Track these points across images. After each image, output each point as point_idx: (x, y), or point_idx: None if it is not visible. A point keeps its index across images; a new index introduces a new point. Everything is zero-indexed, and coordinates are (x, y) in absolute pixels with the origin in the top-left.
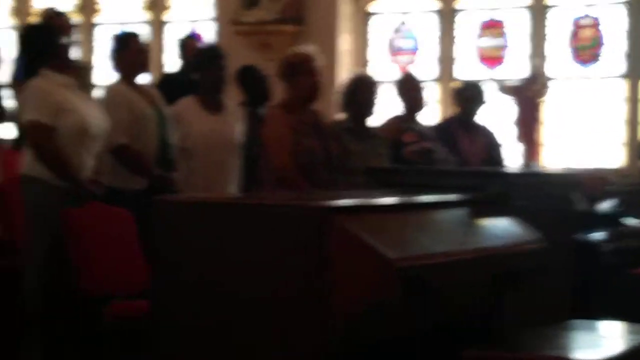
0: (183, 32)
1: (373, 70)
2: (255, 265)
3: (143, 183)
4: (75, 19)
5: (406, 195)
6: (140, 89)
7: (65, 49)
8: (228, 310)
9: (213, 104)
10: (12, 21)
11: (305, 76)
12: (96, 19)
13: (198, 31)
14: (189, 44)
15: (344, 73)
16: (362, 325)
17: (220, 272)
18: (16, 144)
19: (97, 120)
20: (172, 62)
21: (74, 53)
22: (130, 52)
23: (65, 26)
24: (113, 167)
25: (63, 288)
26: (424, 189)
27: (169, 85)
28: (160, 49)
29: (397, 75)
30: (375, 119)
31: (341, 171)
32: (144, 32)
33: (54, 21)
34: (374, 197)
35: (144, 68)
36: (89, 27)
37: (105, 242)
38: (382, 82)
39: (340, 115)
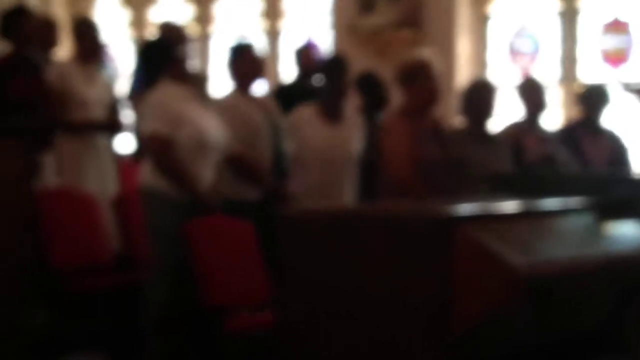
0: (299, 41)
1: (492, 74)
2: (381, 274)
3: (258, 194)
4: (191, 29)
5: (530, 201)
6: (255, 98)
7: (182, 61)
8: (353, 319)
9: (333, 113)
10: (129, 34)
11: (423, 82)
12: (211, 29)
13: (314, 39)
14: (305, 53)
15: (462, 77)
16: (487, 334)
17: (346, 283)
18: (135, 155)
19: (215, 131)
20: (287, 71)
21: (191, 65)
22: (244, 62)
23: (181, 38)
24: (230, 178)
25: (184, 300)
26: (548, 194)
27: (285, 94)
28: (275, 58)
29: (517, 78)
30: (496, 124)
31: (462, 177)
32: (259, 41)
33: (171, 34)
34: (498, 203)
35: (258, 78)
36: (204, 37)
37: (227, 254)
38: (502, 86)
39: (460, 120)
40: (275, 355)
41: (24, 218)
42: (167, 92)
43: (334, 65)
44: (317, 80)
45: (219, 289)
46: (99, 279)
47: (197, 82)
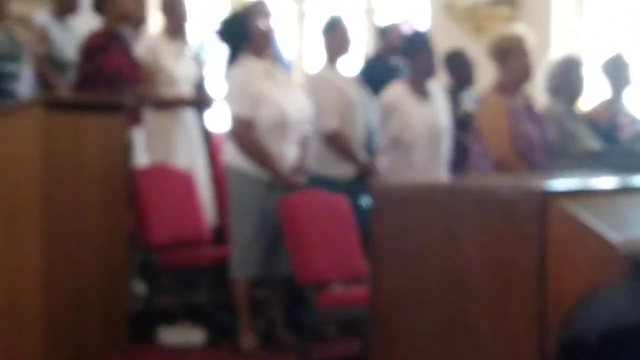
0: (395, 19)
1: (588, 51)
2: (477, 248)
3: (351, 170)
4: (287, 7)
5: (627, 178)
6: (343, 74)
7: (262, 34)
8: (446, 295)
9: (421, 90)
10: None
11: (517, 58)
12: (306, 7)
13: (409, 17)
14: (392, 30)
15: (558, 55)
16: (583, 311)
17: (439, 258)
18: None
19: (298, 107)
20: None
21: (272, 39)
22: (334, 37)
23: (263, 12)
24: (320, 155)
25: (275, 276)
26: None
27: (368, 70)
28: (372, 35)
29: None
30: (584, 101)
31: (558, 155)
32: (355, 19)
33: (254, 8)
34: (594, 179)
35: (345, 52)
36: (300, 15)
37: (322, 228)
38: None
39: (547, 98)
40: (369, 330)
41: (125, 194)
42: (246, 70)
43: (419, 42)
44: (397, 60)
45: (314, 263)
46: (195, 253)
47: (278, 55)
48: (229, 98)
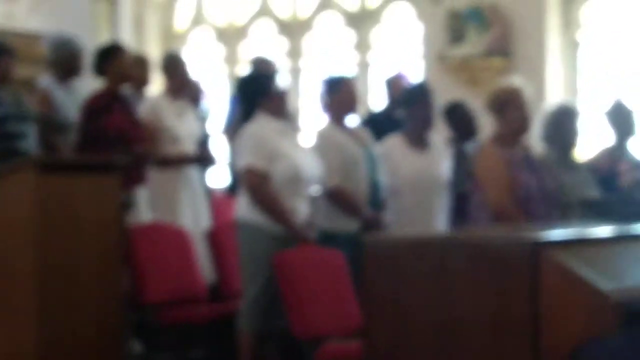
0: (388, 72)
1: (583, 100)
2: (470, 300)
3: (355, 225)
4: (283, 63)
5: (620, 226)
6: (350, 130)
7: (278, 95)
8: (441, 347)
9: (419, 141)
10: (223, 69)
11: (514, 110)
12: (302, 63)
13: (404, 70)
14: (394, 83)
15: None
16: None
17: (434, 310)
18: (230, 189)
19: (309, 165)
20: (377, 102)
21: (286, 99)
22: (340, 96)
23: (272, 72)
24: (326, 211)
25: (275, 330)
26: (636, 220)
27: (375, 124)
28: (366, 89)
29: (608, 104)
30: (583, 149)
31: (556, 204)
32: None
33: (264, 68)
34: (589, 229)
35: (353, 111)
36: (295, 71)
37: (318, 283)
38: (593, 111)
39: (542, 147)
40: None
41: (120, 253)
42: (262, 126)
43: (417, 94)
44: (400, 113)
45: (310, 318)
46: (193, 311)
47: (291, 116)
48: (244, 150)
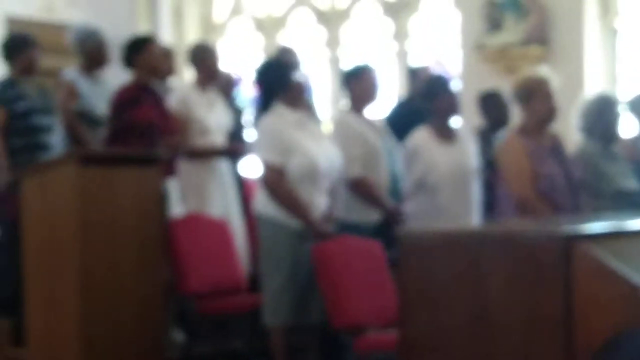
0: (423, 61)
1: (622, 88)
2: (503, 294)
3: (376, 216)
4: (321, 53)
5: None
6: (369, 121)
7: (297, 85)
8: (475, 340)
9: (446, 133)
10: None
11: (540, 100)
12: (341, 52)
13: (440, 59)
14: (421, 73)
15: (592, 93)
16: (607, 355)
17: (467, 303)
18: None
19: (328, 157)
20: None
21: (305, 89)
22: (361, 84)
23: (293, 62)
24: (347, 202)
25: (310, 323)
26: None
27: (399, 113)
28: (404, 79)
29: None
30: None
31: (590, 194)
32: (388, 63)
33: (285, 57)
34: (622, 221)
35: (373, 100)
36: (334, 60)
37: (357, 274)
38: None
39: (581, 137)
40: None
41: (161, 244)
42: (279, 119)
43: (438, 85)
44: (422, 104)
45: (349, 309)
46: (231, 300)
47: (310, 107)
48: (261, 145)
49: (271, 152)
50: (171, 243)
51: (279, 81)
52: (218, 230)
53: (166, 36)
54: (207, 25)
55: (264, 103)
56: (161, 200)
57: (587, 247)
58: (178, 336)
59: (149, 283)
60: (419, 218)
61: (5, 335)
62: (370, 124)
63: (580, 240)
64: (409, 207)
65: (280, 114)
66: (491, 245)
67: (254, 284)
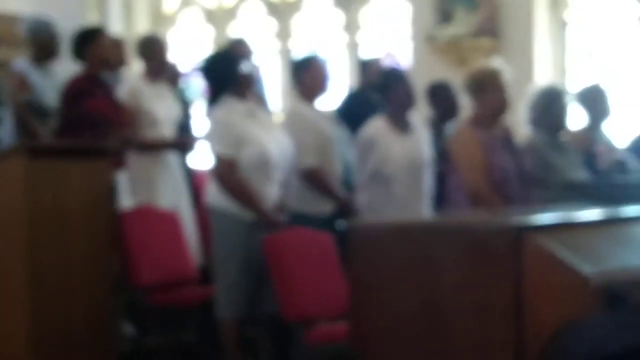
0: (377, 53)
1: (571, 81)
2: (454, 284)
3: (329, 207)
4: (272, 44)
5: (601, 209)
6: (320, 111)
7: (246, 76)
8: (425, 331)
9: (402, 124)
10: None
11: (493, 92)
12: (291, 44)
13: (391, 51)
14: (372, 65)
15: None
16: (557, 344)
17: (417, 294)
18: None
19: (280, 147)
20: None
21: (254, 80)
22: (311, 74)
23: (245, 53)
24: (300, 192)
25: (261, 314)
26: (621, 202)
27: (350, 105)
28: (355, 70)
29: (583, 85)
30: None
31: (542, 186)
32: (338, 55)
33: (235, 49)
34: (571, 211)
35: (324, 91)
36: (285, 52)
37: (306, 265)
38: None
39: (529, 129)
40: None
41: (110, 237)
42: (229, 111)
43: (395, 77)
44: (376, 96)
45: (300, 300)
46: (182, 293)
47: (260, 98)
48: (212, 138)
49: (222, 144)
50: (121, 235)
51: (227, 73)
52: (168, 222)
53: (116, 27)
54: (157, 16)
55: (213, 95)
56: (110, 192)
57: (537, 237)
58: (128, 329)
59: (98, 276)
60: (372, 209)
61: None
62: (321, 114)
63: (530, 231)
64: (362, 198)
65: (230, 105)
66: (442, 236)
67: (205, 275)
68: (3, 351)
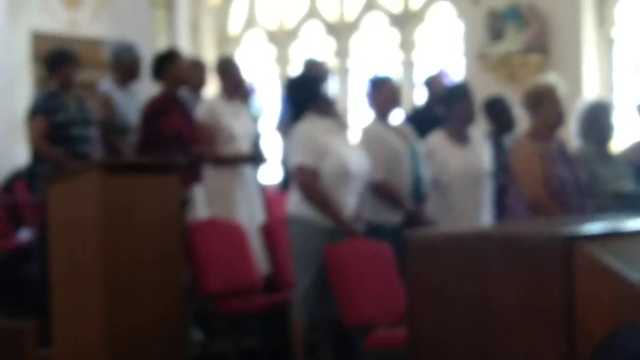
0: (432, 70)
1: (619, 95)
2: (506, 293)
3: (398, 217)
4: (331, 63)
5: None
6: (393, 127)
7: (326, 95)
8: (479, 338)
9: (461, 136)
10: (275, 69)
11: (549, 105)
12: (350, 62)
13: (445, 68)
14: (434, 81)
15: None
16: (606, 352)
17: (472, 302)
18: (282, 185)
19: (357, 161)
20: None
21: (334, 99)
22: (383, 94)
23: (324, 74)
24: (372, 204)
25: (326, 319)
26: None
27: (416, 119)
28: (411, 87)
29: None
30: (619, 143)
31: (590, 196)
32: (395, 72)
33: (315, 70)
34: (622, 221)
35: (396, 107)
36: (344, 71)
37: (366, 274)
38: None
39: (578, 142)
40: None
41: (180, 248)
42: (312, 126)
43: (458, 92)
44: (441, 110)
45: (360, 307)
46: (249, 301)
47: (339, 115)
48: (295, 150)
49: (305, 155)
50: (191, 246)
51: (309, 93)
52: (235, 233)
53: (184, 49)
54: (223, 37)
55: (296, 114)
56: (180, 205)
57: (587, 246)
58: (197, 335)
59: (169, 284)
60: (440, 218)
61: (32, 336)
62: (395, 129)
63: (580, 240)
64: (432, 209)
65: (313, 121)
66: (495, 245)
67: (270, 284)
68: (81, 357)
